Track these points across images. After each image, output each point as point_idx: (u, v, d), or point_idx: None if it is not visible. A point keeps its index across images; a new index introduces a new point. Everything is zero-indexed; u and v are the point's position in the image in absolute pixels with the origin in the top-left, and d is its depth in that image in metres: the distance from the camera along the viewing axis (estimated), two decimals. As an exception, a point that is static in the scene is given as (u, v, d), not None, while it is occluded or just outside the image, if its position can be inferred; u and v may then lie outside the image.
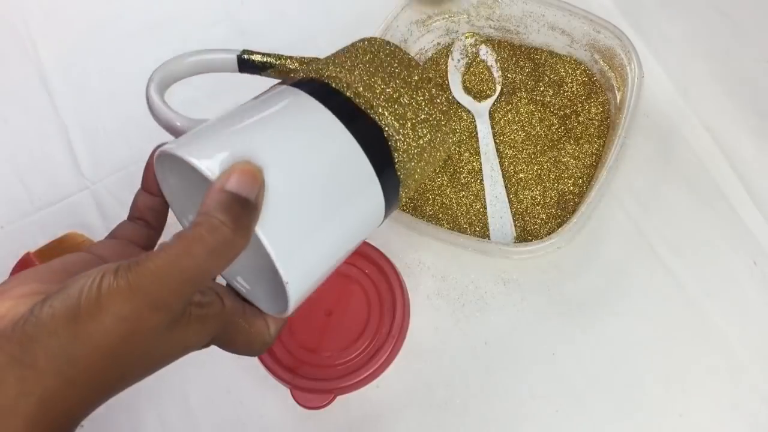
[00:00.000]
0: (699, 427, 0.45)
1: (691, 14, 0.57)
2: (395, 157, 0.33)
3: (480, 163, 0.53)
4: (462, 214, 0.52)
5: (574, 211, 0.49)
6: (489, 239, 0.50)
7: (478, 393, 0.48)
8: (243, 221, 0.26)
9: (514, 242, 0.50)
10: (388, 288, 0.49)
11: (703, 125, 0.53)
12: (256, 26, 0.62)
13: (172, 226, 0.34)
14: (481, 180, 0.52)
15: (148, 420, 0.50)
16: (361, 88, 0.32)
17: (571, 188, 0.51)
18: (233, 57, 0.35)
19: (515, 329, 0.49)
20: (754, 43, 0.55)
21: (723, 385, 0.46)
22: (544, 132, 0.53)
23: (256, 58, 0.35)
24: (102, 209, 0.57)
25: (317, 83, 0.32)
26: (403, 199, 0.35)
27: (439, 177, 0.53)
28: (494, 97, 0.55)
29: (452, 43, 0.57)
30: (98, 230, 0.56)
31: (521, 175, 0.52)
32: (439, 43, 0.57)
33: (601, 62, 0.53)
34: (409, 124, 0.33)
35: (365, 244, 0.50)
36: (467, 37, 0.57)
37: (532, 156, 0.53)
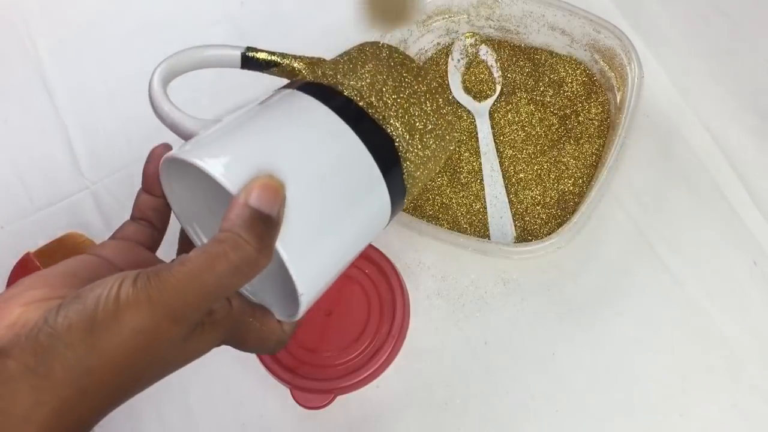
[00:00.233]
0: (699, 427, 0.45)
1: (691, 14, 0.57)
2: (404, 167, 0.33)
3: (480, 163, 0.53)
4: (462, 214, 0.52)
5: (574, 211, 0.49)
6: (489, 239, 0.50)
7: (478, 393, 0.48)
8: (266, 241, 0.26)
9: (514, 242, 0.50)
10: (388, 288, 0.49)
11: (703, 125, 0.53)
12: (256, 26, 0.62)
13: (176, 224, 0.34)
14: (481, 180, 0.52)
15: (148, 420, 0.50)
16: (374, 99, 0.32)
17: (571, 188, 0.51)
18: (237, 54, 0.35)
19: (515, 329, 0.49)
20: (754, 43, 0.55)
21: (723, 385, 0.46)
22: (544, 132, 0.53)
23: (261, 56, 0.35)
24: (102, 209, 0.57)
25: (331, 91, 0.32)
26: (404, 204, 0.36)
27: (439, 177, 0.53)
28: (494, 97, 0.55)
29: (452, 43, 0.57)
30: (98, 230, 0.56)
31: (521, 175, 0.52)
32: (439, 43, 0.57)
33: (601, 62, 0.53)
34: (417, 135, 0.33)
35: (365, 244, 0.50)
36: (467, 37, 0.57)
37: (532, 156, 0.53)
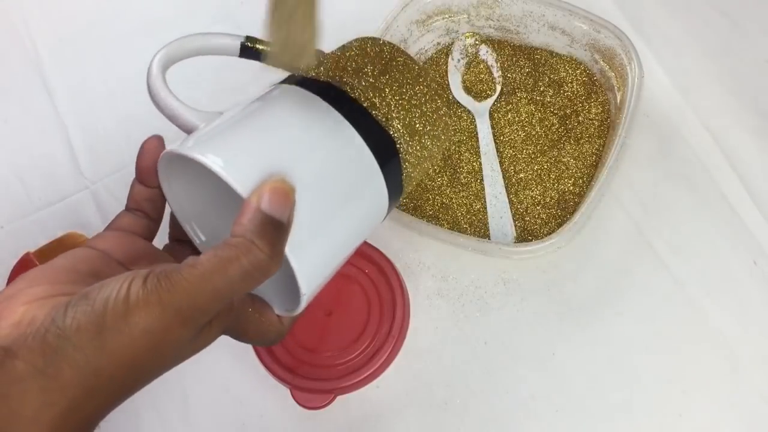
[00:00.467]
0: (699, 427, 0.45)
1: (691, 14, 0.57)
2: (403, 168, 0.33)
3: (480, 163, 0.53)
4: (462, 214, 0.52)
5: (574, 211, 0.49)
6: (489, 239, 0.50)
7: (478, 393, 0.48)
8: (278, 247, 0.26)
9: (514, 242, 0.50)
10: (388, 288, 0.49)
11: (703, 125, 0.53)
12: (256, 26, 0.61)
13: (168, 213, 0.34)
14: (481, 180, 0.52)
15: (148, 420, 0.50)
16: (377, 99, 0.32)
17: (571, 188, 0.51)
18: (237, 42, 0.35)
19: (515, 329, 0.49)
20: (754, 43, 0.55)
21: (723, 385, 0.46)
22: (544, 132, 0.53)
23: (260, 46, 0.35)
24: (102, 209, 0.57)
25: (334, 89, 0.32)
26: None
27: (439, 177, 0.53)
28: (494, 97, 0.55)
29: (452, 43, 0.57)
30: (98, 230, 0.54)
31: (521, 175, 0.52)
32: (439, 43, 0.57)
33: (601, 62, 0.53)
34: (417, 136, 0.34)
35: (365, 244, 0.50)
36: (467, 37, 0.57)
37: (532, 156, 0.53)
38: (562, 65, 0.55)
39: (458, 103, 0.55)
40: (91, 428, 0.26)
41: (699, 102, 0.54)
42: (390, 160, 0.32)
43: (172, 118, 0.32)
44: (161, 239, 0.34)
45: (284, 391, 0.47)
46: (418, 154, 0.34)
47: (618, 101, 0.51)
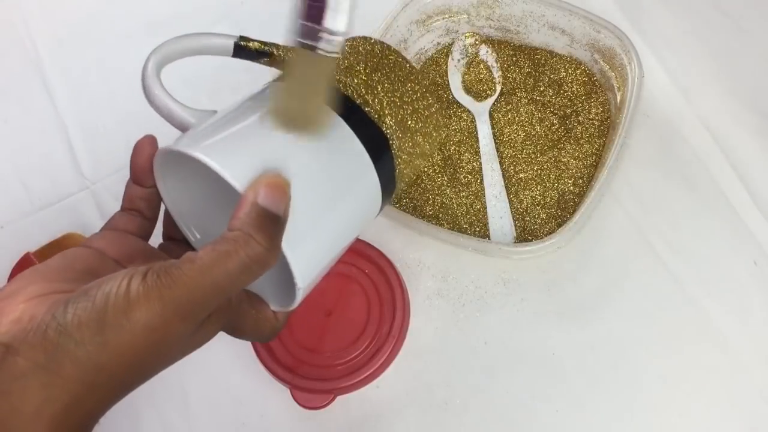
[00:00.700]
0: (699, 427, 0.45)
1: (691, 14, 0.57)
2: (396, 164, 0.33)
3: (480, 163, 0.53)
4: (462, 214, 0.52)
5: (574, 211, 0.49)
6: (489, 239, 0.50)
7: (478, 393, 0.48)
8: (275, 240, 0.27)
9: (514, 242, 0.50)
10: (388, 288, 0.49)
11: (703, 125, 0.53)
12: (257, 25, 0.61)
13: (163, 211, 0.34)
14: (481, 180, 0.52)
15: (148, 420, 0.50)
16: (370, 97, 0.33)
17: (571, 188, 0.51)
18: (230, 42, 0.35)
19: (515, 329, 0.49)
20: (754, 42, 0.55)
21: (723, 385, 0.46)
22: (544, 132, 0.53)
23: (253, 45, 0.35)
24: (102, 209, 0.57)
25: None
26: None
27: (439, 177, 0.53)
28: (494, 97, 0.55)
29: (452, 43, 0.57)
30: (98, 230, 0.55)
31: (521, 175, 0.52)
32: (439, 43, 0.57)
33: (601, 62, 0.53)
34: (409, 133, 0.34)
35: (365, 244, 0.50)
36: (467, 37, 0.57)
37: (532, 156, 0.53)
38: (562, 65, 0.55)
39: (458, 103, 0.55)
40: (92, 424, 0.26)
41: (699, 102, 0.54)
42: (383, 155, 0.33)
43: (167, 117, 0.32)
44: (155, 239, 0.34)
45: (284, 391, 0.47)
46: (411, 150, 0.34)
47: (618, 101, 0.51)
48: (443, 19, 0.56)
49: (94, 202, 0.57)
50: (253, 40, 0.35)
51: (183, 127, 0.32)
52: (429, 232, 0.49)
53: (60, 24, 0.64)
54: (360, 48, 0.36)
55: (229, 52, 0.35)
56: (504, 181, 0.52)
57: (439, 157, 0.53)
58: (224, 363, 0.50)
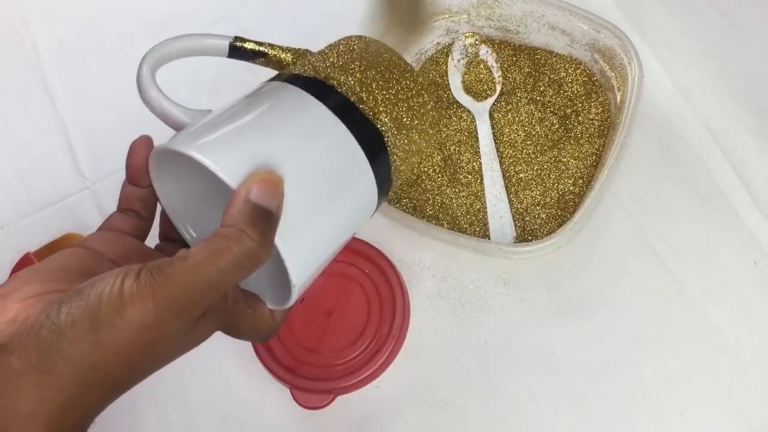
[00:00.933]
0: (699, 427, 0.45)
1: (691, 14, 0.57)
2: (391, 161, 0.34)
3: (480, 163, 0.53)
4: (462, 214, 0.52)
5: (574, 211, 0.49)
6: (489, 239, 0.50)
7: (478, 393, 0.48)
8: (268, 236, 0.26)
9: (514, 242, 0.50)
10: (388, 288, 0.49)
11: (703, 125, 0.53)
12: (257, 25, 0.62)
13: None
14: (481, 180, 0.52)
15: (148, 419, 0.50)
16: (364, 94, 0.33)
17: (571, 188, 0.51)
18: (225, 43, 0.35)
19: (515, 329, 0.49)
20: (754, 42, 0.55)
21: (723, 385, 0.46)
22: (544, 132, 0.53)
23: (249, 45, 0.35)
24: (102, 209, 0.57)
25: (322, 85, 0.33)
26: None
27: (439, 177, 0.53)
28: (494, 97, 0.55)
29: (452, 43, 0.57)
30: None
31: (521, 175, 0.52)
32: (439, 43, 0.57)
33: (601, 62, 0.53)
34: (405, 130, 0.34)
35: (365, 243, 0.50)
36: (467, 37, 0.57)
37: (532, 156, 0.53)
38: (562, 65, 0.55)
39: (458, 103, 0.55)
40: (87, 423, 0.26)
41: (699, 102, 0.54)
42: (378, 153, 0.33)
43: (163, 117, 0.32)
44: (152, 240, 0.34)
45: (284, 391, 0.47)
46: (406, 147, 0.34)
47: (618, 101, 0.51)
48: (443, 19, 0.56)
49: (94, 202, 0.57)
50: (249, 41, 0.35)
51: (178, 127, 0.32)
52: (429, 232, 0.49)
53: (60, 24, 0.64)
54: (354, 46, 0.36)
55: (224, 53, 0.35)
56: (504, 181, 0.52)
57: (439, 157, 0.53)
58: (224, 363, 0.50)
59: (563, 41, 0.54)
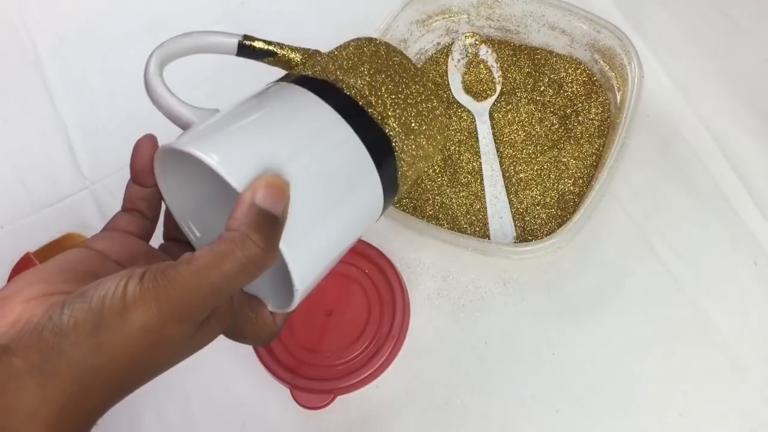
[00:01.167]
0: (699, 427, 0.45)
1: (691, 14, 0.57)
2: (398, 166, 0.33)
3: (480, 163, 0.53)
4: (462, 214, 0.52)
5: (574, 211, 0.49)
6: (489, 239, 0.50)
7: (478, 393, 0.48)
8: (273, 241, 0.26)
9: (514, 242, 0.50)
10: (388, 288, 0.49)
11: (703, 125, 0.53)
12: (256, 26, 0.61)
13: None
14: (481, 180, 0.52)
15: (148, 420, 0.50)
16: (373, 99, 0.33)
17: (571, 188, 0.51)
18: (234, 41, 0.34)
19: (515, 329, 0.49)
20: (754, 42, 0.55)
21: (723, 385, 0.46)
22: (544, 132, 0.53)
23: (258, 44, 0.35)
24: (102, 209, 0.57)
25: (330, 88, 0.32)
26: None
27: (439, 177, 0.53)
28: (494, 97, 0.55)
29: (452, 43, 0.57)
30: (98, 230, 0.54)
31: (521, 175, 0.52)
32: (439, 43, 0.57)
33: (601, 62, 0.53)
34: (413, 135, 0.34)
35: (365, 243, 0.50)
36: (467, 37, 0.57)
37: (532, 156, 0.53)
38: (562, 65, 0.55)
39: (458, 103, 0.55)
40: (89, 425, 0.26)
41: (699, 102, 0.54)
42: (385, 157, 0.33)
43: (169, 115, 0.32)
44: (156, 240, 0.34)
45: (284, 391, 0.47)
46: (414, 152, 0.34)
47: (618, 101, 0.51)
48: (443, 19, 0.56)
49: (94, 202, 0.57)
50: (258, 39, 0.35)
51: (185, 126, 0.32)
52: (429, 232, 0.49)
53: (60, 24, 0.64)
54: (364, 49, 0.35)
55: (233, 51, 0.35)
56: (504, 181, 0.52)
57: (439, 157, 0.53)
58: (225, 363, 0.50)
59: (563, 41, 0.54)
